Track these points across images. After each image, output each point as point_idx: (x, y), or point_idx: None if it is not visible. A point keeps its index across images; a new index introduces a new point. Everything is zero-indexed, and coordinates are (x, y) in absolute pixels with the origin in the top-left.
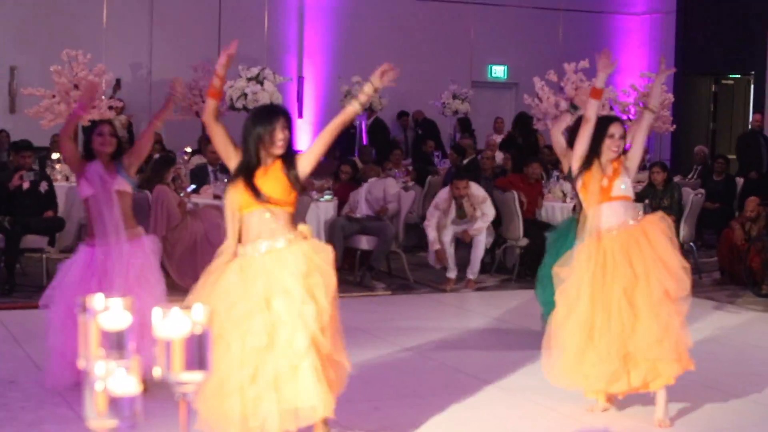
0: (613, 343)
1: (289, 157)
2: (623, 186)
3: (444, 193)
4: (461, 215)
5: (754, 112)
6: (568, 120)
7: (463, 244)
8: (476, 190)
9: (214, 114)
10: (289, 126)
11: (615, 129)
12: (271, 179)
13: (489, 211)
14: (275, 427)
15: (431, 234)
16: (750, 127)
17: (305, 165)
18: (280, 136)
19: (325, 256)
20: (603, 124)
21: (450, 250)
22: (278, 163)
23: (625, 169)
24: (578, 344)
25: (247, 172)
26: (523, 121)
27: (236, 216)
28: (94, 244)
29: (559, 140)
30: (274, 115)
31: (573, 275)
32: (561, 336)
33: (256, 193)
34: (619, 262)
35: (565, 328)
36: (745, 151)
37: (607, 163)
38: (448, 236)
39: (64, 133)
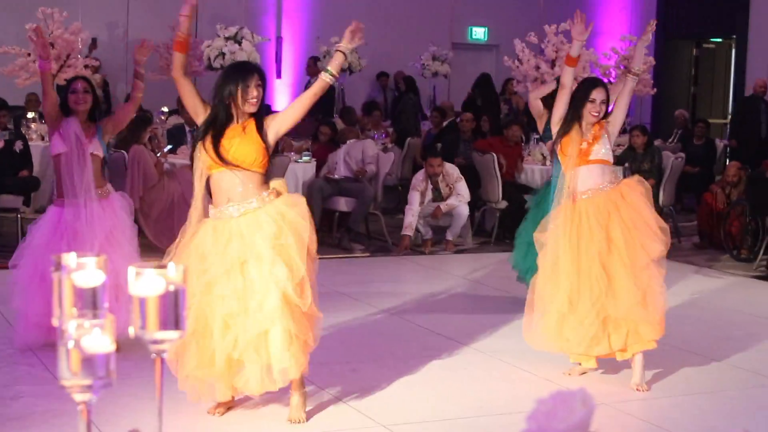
0: (592, 306)
1: (262, 117)
2: (603, 150)
3: (420, 174)
4: (437, 197)
5: (756, 78)
6: (549, 87)
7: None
8: (451, 169)
9: (182, 69)
10: (263, 84)
11: (597, 94)
12: (245, 141)
13: (463, 191)
14: (257, 387)
15: (408, 218)
16: (753, 91)
17: (278, 127)
18: (253, 93)
19: (299, 210)
20: (585, 87)
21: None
22: (252, 123)
23: (606, 133)
24: (558, 309)
25: (215, 129)
26: (485, 82)
27: (204, 175)
28: (62, 204)
29: (535, 104)
30: (248, 71)
31: (550, 240)
32: (541, 301)
33: (220, 158)
34: (593, 225)
35: (545, 292)
36: (743, 117)
37: (588, 127)
38: (424, 213)
39: (44, 90)
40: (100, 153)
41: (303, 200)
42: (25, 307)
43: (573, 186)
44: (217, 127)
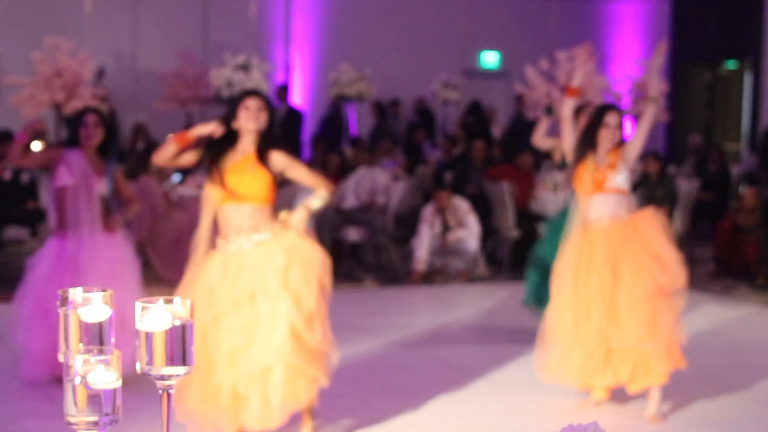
0: (593, 337)
1: (268, 147)
2: (619, 178)
3: (429, 207)
4: (446, 231)
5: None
6: (545, 124)
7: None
8: (459, 202)
9: (169, 159)
10: (266, 107)
11: (611, 118)
12: (255, 176)
13: (472, 225)
14: (257, 423)
15: (418, 252)
16: None
17: (282, 170)
18: (251, 104)
19: (309, 244)
20: (599, 113)
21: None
22: (253, 157)
23: (623, 160)
24: (566, 339)
25: (215, 154)
26: (474, 109)
27: (212, 209)
28: (65, 236)
29: (542, 143)
30: (247, 93)
31: (561, 269)
32: (551, 331)
33: (229, 191)
34: (599, 256)
35: (555, 323)
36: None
37: (604, 154)
38: (433, 246)
39: (13, 156)
40: (104, 191)
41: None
42: (29, 342)
43: (586, 214)
44: (216, 151)
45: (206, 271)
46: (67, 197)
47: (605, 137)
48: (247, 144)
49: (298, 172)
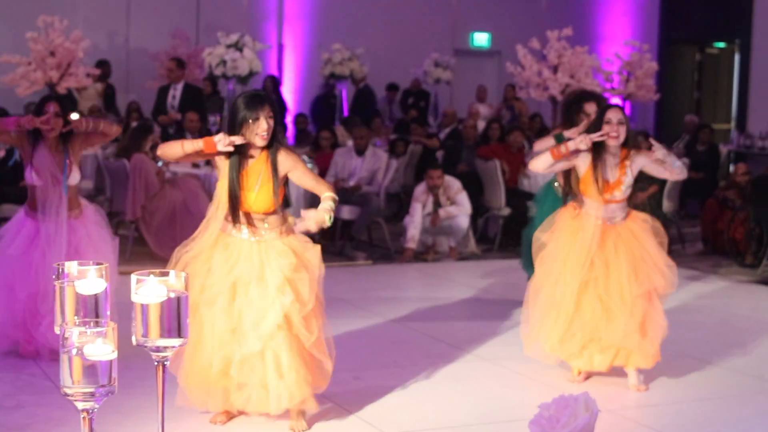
0: (584, 325)
1: (276, 150)
2: (622, 190)
3: (421, 186)
4: (437, 209)
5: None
6: (547, 143)
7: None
8: (451, 181)
9: (180, 158)
10: (274, 115)
11: (612, 114)
12: (262, 191)
13: (465, 203)
14: (255, 407)
15: (410, 231)
16: None
17: (287, 173)
18: (263, 126)
19: (314, 252)
20: (599, 115)
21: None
22: (266, 167)
23: (629, 172)
24: (548, 314)
25: (233, 181)
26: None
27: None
28: (35, 217)
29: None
30: (259, 102)
31: (554, 247)
32: (536, 304)
33: (240, 218)
34: (595, 247)
35: (539, 297)
36: None
37: (614, 164)
38: (425, 224)
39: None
40: (74, 181)
41: (318, 247)
42: None
43: (586, 209)
44: (237, 165)
45: (207, 252)
46: (37, 193)
47: (610, 134)
48: (255, 150)
49: (300, 174)
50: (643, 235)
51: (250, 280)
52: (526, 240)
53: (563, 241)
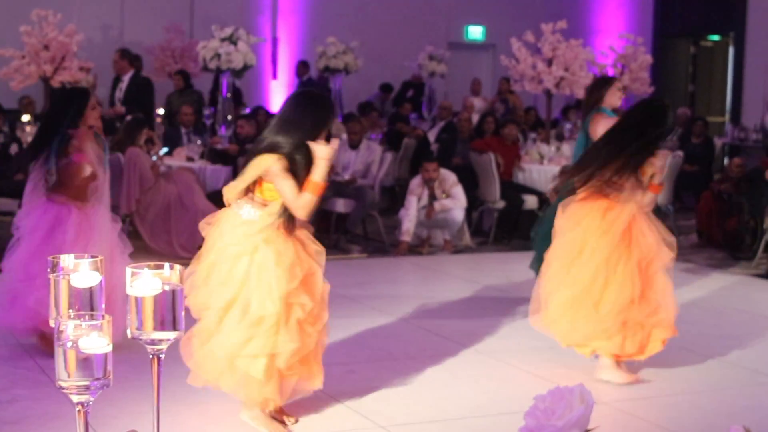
0: (616, 306)
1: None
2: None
3: (417, 179)
4: (432, 203)
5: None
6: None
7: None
8: (447, 174)
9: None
10: None
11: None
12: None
13: (460, 196)
14: (234, 390)
15: (405, 224)
16: None
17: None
18: None
19: (322, 256)
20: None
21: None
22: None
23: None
24: (573, 295)
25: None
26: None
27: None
28: (80, 208)
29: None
30: (333, 109)
31: (578, 229)
32: (556, 284)
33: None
34: (631, 234)
35: (563, 277)
36: None
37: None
38: (420, 218)
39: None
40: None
41: (323, 250)
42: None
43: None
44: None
45: (223, 228)
46: (90, 185)
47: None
48: None
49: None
50: (651, 219)
51: (253, 247)
52: (540, 238)
53: (588, 227)
